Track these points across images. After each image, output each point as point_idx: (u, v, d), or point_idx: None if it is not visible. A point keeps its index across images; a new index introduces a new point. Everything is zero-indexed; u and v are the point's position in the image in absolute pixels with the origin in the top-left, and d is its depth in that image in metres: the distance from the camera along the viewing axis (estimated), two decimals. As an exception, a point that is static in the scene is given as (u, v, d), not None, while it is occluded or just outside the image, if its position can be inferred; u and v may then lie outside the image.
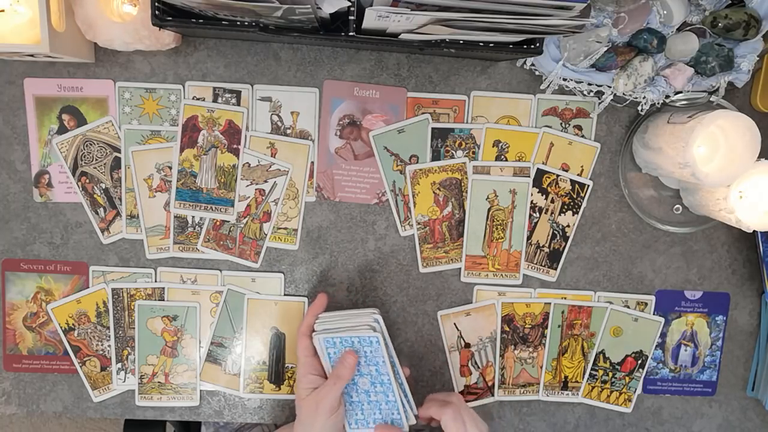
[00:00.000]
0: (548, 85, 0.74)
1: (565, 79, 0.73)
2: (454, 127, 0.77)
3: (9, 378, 0.79)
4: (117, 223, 0.76)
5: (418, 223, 0.78)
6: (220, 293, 0.78)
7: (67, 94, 0.74)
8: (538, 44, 0.63)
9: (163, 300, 0.77)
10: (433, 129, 0.77)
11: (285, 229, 0.77)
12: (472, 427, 0.66)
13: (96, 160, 0.75)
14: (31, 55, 0.66)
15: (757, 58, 0.74)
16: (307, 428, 0.67)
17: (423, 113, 0.76)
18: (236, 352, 0.79)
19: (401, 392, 0.70)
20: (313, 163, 0.77)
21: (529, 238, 0.79)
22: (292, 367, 0.79)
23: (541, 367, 0.81)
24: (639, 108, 0.75)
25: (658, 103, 0.74)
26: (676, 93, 0.74)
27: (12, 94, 0.74)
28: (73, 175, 0.75)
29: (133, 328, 0.77)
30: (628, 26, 0.71)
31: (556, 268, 0.80)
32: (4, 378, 0.79)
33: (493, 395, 0.81)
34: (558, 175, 0.78)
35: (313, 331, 0.69)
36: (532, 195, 0.78)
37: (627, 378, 0.82)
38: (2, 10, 0.64)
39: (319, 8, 0.57)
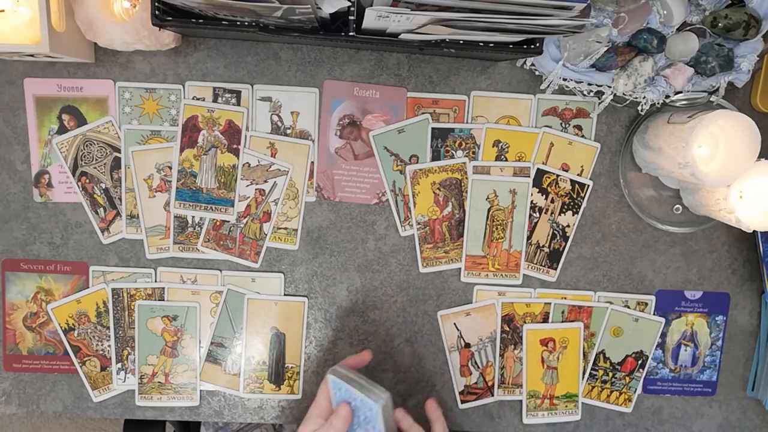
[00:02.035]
0: (548, 85, 0.74)
1: (565, 79, 0.73)
2: (454, 127, 0.77)
3: (9, 378, 0.79)
4: (117, 223, 0.76)
5: (418, 223, 0.78)
6: (220, 293, 0.78)
7: (67, 94, 0.74)
8: (538, 44, 0.63)
9: (163, 300, 0.77)
10: (433, 129, 0.77)
11: (285, 229, 0.77)
12: None
13: (96, 160, 0.75)
14: (31, 55, 0.66)
15: (757, 58, 0.74)
16: None
17: (423, 113, 0.76)
18: (236, 352, 0.79)
19: None
20: (313, 163, 0.77)
21: (529, 238, 0.79)
22: (292, 367, 0.79)
23: (541, 367, 0.81)
24: (639, 108, 0.75)
25: (658, 103, 0.74)
26: (676, 93, 0.74)
27: (12, 94, 0.74)
28: (73, 175, 0.75)
29: (133, 328, 0.77)
30: (628, 26, 0.71)
31: (556, 268, 0.80)
32: (4, 378, 0.79)
33: (493, 395, 0.81)
34: (558, 175, 0.78)
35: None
36: (532, 195, 0.78)
37: (627, 378, 0.82)
38: (2, 10, 0.64)
39: (319, 8, 0.57)
